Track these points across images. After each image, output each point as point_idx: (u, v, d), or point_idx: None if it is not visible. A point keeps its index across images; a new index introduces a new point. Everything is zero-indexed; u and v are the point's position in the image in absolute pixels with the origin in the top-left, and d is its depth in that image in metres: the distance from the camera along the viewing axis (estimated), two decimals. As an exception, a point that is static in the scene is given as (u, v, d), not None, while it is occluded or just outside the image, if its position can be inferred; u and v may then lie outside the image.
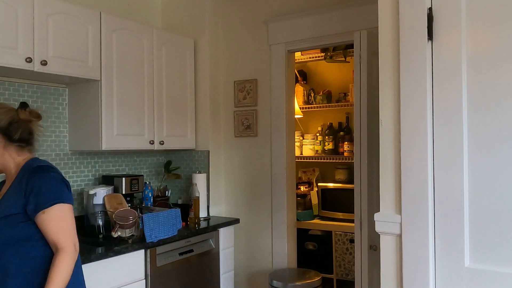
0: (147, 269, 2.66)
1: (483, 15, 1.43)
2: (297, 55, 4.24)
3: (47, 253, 1.64)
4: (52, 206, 1.61)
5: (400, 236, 1.58)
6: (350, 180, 3.96)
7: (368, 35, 2.54)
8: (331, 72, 4.61)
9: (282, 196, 3.37)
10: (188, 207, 3.23)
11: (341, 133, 4.30)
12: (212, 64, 3.56)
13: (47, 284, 1.56)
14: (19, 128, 1.69)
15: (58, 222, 1.62)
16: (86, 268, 2.23)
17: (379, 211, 1.65)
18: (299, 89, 4.47)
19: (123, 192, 2.97)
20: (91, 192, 2.80)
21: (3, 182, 1.80)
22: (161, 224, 2.74)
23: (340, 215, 4.05)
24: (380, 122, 1.65)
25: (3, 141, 1.68)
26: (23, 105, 1.79)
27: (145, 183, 3.26)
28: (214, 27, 3.58)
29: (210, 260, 3.13)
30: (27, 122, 1.72)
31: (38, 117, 1.75)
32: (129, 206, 2.88)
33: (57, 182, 1.67)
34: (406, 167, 1.54)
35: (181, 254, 2.88)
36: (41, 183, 1.64)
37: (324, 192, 4.21)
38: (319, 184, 4.31)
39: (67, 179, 2.92)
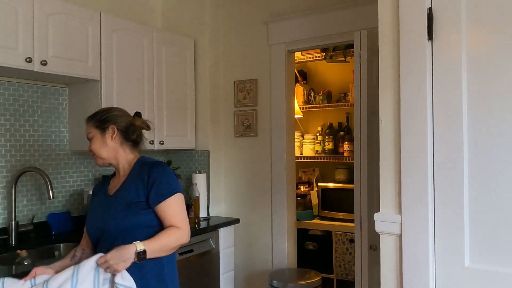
0: (147, 269, 2.66)
1: (483, 15, 1.44)
2: (297, 55, 4.24)
3: None
4: (172, 196, 1.79)
5: (400, 236, 1.58)
6: (350, 180, 3.96)
7: (368, 35, 2.54)
8: (331, 72, 4.61)
9: (282, 196, 3.37)
10: (188, 207, 3.22)
11: (341, 133, 4.30)
12: (212, 64, 3.56)
13: (152, 238, 1.72)
14: (135, 130, 1.92)
15: (176, 209, 1.80)
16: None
17: (379, 211, 1.65)
18: (299, 89, 4.47)
19: (123, 192, 2.97)
20: (91, 192, 2.80)
21: (109, 176, 2.01)
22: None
23: (340, 215, 4.05)
24: (380, 122, 1.65)
25: (120, 138, 1.88)
26: (138, 114, 1.99)
27: (145, 183, 3.25)
28: (214, 27, 3.58)
29: (210, 260, 3.13)
30: (139, 129, 1.94)
31: (148, 127, 1.97)
32: (129, 206, 2.87)
33: (172, 174, 1.87)
34: (406, 167, 1.55)
35: (181, 254, 2.88)
36: (161, 176, 1.82)
37: (324, 192, 4.21)
38: (319, 184, 4.31)
39: (67, 179, 2.95)
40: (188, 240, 1.82)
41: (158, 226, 1.79)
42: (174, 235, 1.76)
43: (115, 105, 2.86)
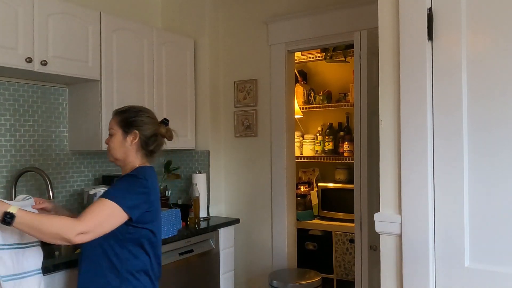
0: (147, 269, 2.66)
1: (483, 15, 1.44)
2: (297, 55, 4.24)
3: (124, 255, 1.79)
4: (101, 198, 1.72)
5: (400, 236, 1.58)
6: (350, 180, 3.96)
7: (368, 35, 2.54)
8: (331, 72, 4.61)
9: (282, 196, 3.37)
10: (188, 207, 3.23)
11: (341, 133, 4.30)
12: (212, 64, 3.56)
13: (32, 212, 1.67)
14: (156, 141, 1.92)
15: (93, 208, 1.70)
16: (86, 268, 2.23)
17: (379, 211, 1.65)
18: (299, 89, 4.47)
19: (123, 192, 2.97)
20: (91, 192, 2.80)
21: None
22: (161, 224, 2.74)
23: (340, 215, 4.05)
24: (380, 122, 1.65)
25: (138, 145, 1.89)
26: (165, 121, 1.98)
27: (145, 183, 3.25)
28: (214, 27, 3.58)
29: (210, 260, 3.13)
30: (163, 138, 1.95)
31: (170, 138, 1.97)
32: (129, 206, 2.87)
33: (130, 186, 1.80)
34: (406, 167, 1.55)
35: (181, 254, 2.88)
36: (116, 183, 1.84)
37: (324, 192, 4.21)
38: (319, 184, 4.32)
39: (67, 179, 2.95)
40: (73, 238, 1.61)
41: (120, 233, 1.76)
42: (59, 222, 1.62)
43: (115, 106, 2.87)
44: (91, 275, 1.80)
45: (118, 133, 1.89)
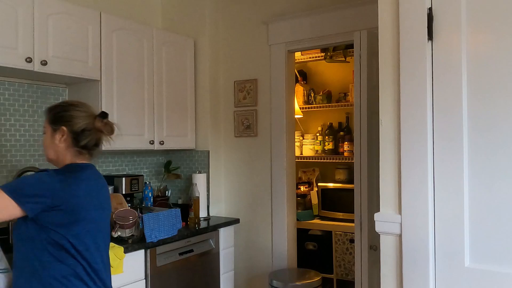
0: (147, 269, 2.66)
1: (483, 15, 1.43)
2: (297, 55, 4.24)
3: (46, 258, 1.63)
4: (1, 190, 1.57)
5: (400, 236, 1.58)
6: (350, 180, 3.96)
7: (368, 35, 2.54)
8: (331, 72, 4.61)
9: (282, 196, 3.37)
10: (188, 207, 3.23)
11: (341, 133, 4.30)
12: (212, 64, 3.56)
13: None
14: (88, 136, 1.73)
15: None
16: (86, 268, 2.23)
17: (379, 211, 1.65)
18: (299, 89, 4.47)
19: (123, 192, 2.97)
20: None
21: None
22: (161, 224, 2.74)
23: (340, 215, 4.05)
24: (380, 122, 1.65)
25: (68, 142, 1.72)
26: (103, 114, 1.78)
27: (145, 183, 3.26)
28: (214, 27, 3.58)
29: (210, 260, 3.13)
30: (98, 132, 1.75)
31: (110, 131, 1.78)
32: (129, 206, 2.88)
33: (35, 180, 1.62)
34: (406, 167, 1.55)
35: (181, 254, 2.88)
36: (28, 176, 1.67)
37: (324, 192, 4.21)
38: (319, 184, 4.31)
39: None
40: None
41: (32, 234, 1.61)
42: None
43: (115, 105, 2.87)
44: (19, 282, 1.66)
45: (48, 131, 1.75)
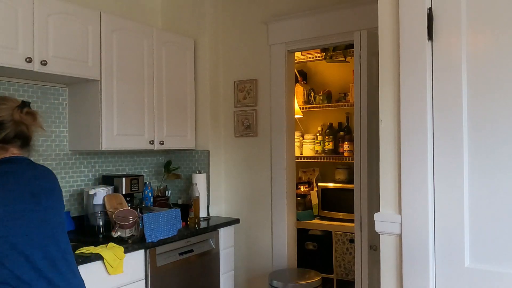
0: (147, 269, 2.66)
1: (483, 15, 1.43)
2: (297, 55, 4.24)
3: None
4: None
5: (400, 236, 1.58)
6: (350, 180, 3.96)
7: (368, 35, 2.54)
8: (331, 72, 4.61)
9: (282, 196, 3.37)
10: (188, 207, 3.23)
11: (341, 133, 4.30)
12: (212, 64, 3.56)
13: None
14: (7, 129, 1.62)
15: None
16: (86, 268, 2.24)
17: (379, 211, 1.65)
18: (299, 89, 4.47)
19: (123, 192, 2.97)
20: (91, 192, 2.80)
21: None
22: (161, 224, 2.74)
23: (340, 215, 4.05)
24: (380, 122, 1.65)
25: None
26: (23, 104, 1.67)
27: (145, 183, 3.26)
28: (214, 27, 3.58)
29: (210, 260, 3.13)
30: (19, 123, 1.64)
31: (34, 121, 1.67)
32: (129, 206, 2.88)
33: None
34: (406, 167, 1.54)
35: (181, 254, 2.88)
36: None
37: (324, 192, 4.21)
38: (319, 184, 4.31)
39: (67, 179, 2.95)
40: None
41: None
42: None
43: (115, 105, 2.87)
44: None
45: None
